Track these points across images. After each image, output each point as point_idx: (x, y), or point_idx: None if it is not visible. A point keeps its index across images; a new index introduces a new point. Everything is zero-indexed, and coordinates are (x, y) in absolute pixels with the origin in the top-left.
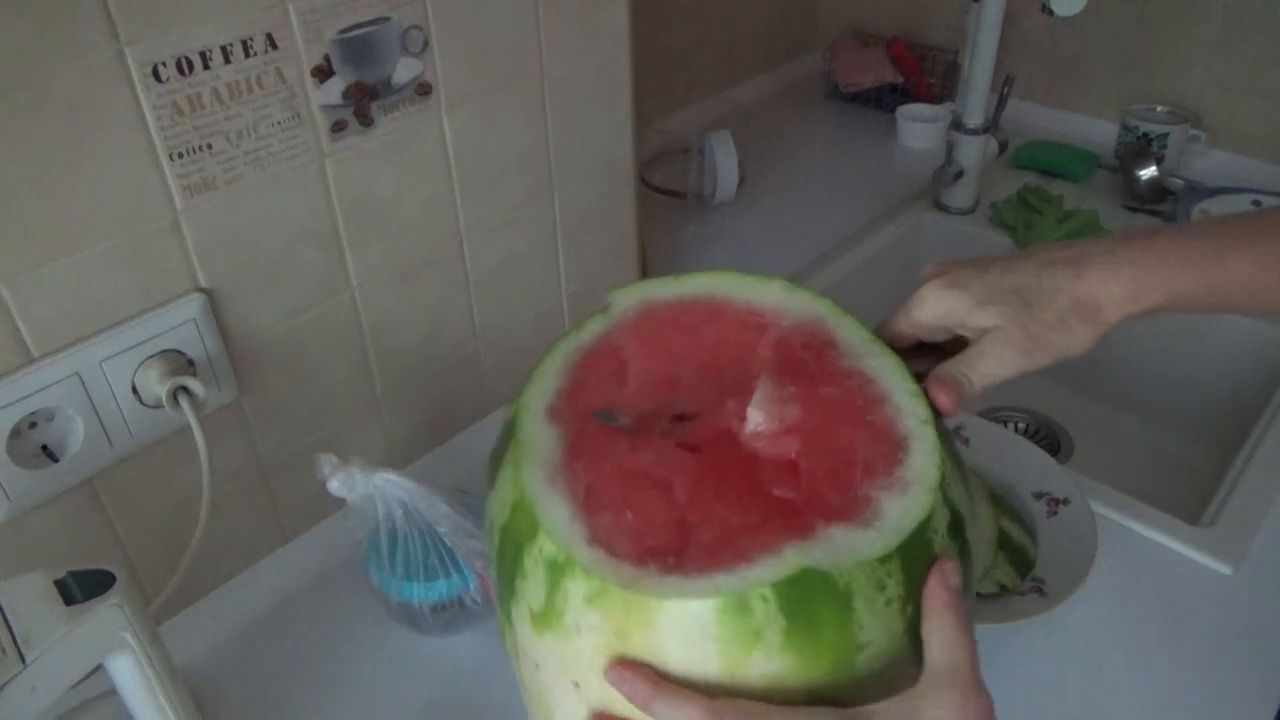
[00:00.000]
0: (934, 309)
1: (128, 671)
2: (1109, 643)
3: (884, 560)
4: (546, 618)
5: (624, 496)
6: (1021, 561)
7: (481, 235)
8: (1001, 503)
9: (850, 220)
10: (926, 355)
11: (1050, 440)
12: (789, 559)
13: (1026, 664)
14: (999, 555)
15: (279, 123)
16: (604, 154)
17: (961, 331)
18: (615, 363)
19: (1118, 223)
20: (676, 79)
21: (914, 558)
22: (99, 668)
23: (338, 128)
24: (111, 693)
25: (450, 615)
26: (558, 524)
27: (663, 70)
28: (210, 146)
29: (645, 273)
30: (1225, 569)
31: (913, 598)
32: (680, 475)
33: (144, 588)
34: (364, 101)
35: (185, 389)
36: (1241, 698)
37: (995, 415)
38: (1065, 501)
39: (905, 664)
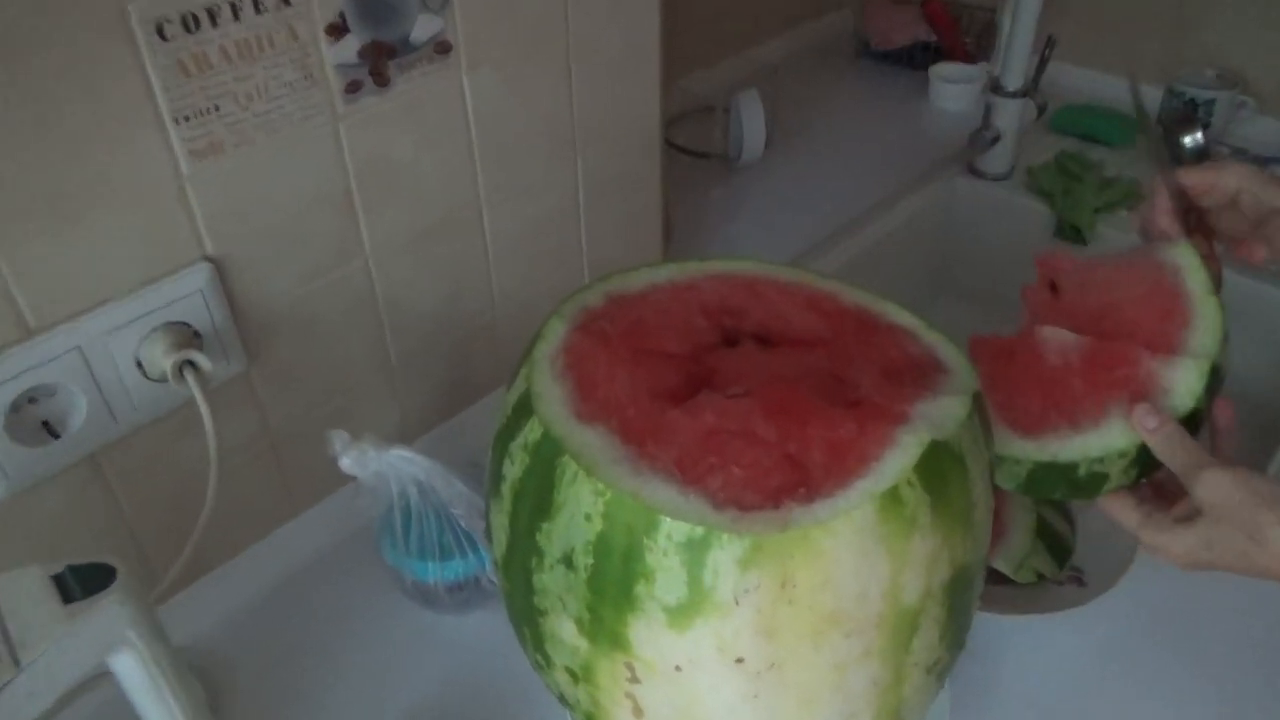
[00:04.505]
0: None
1: (131, 669)
2: (1148, 636)
3: (969, 415)
4: (694, 605)
5: (718, 456)
6: (1060, 550)
7: (501, 200)
8: None
9: (880, 184)
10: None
11: None
12: (911, 444)
13: (1063, 655)
14: (1037, 543)
15: (291, 83)
16: (630, 119)
17: (1251, 209)
18: (607, 352)
19: None
20: (703, 35)
21: (979, 400)
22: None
23: (352, 88)
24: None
25: (466, 594)
26: (676, 505)
27: (689, 25)
28: (218, 109)
29: (668, 241)
30: None
31: (988, 439)
32: (752, 418)
33: (150, 565)
34: (380, 60)
35: (191, 363)
36: None
37: None
38: None
39: (990, 510)
